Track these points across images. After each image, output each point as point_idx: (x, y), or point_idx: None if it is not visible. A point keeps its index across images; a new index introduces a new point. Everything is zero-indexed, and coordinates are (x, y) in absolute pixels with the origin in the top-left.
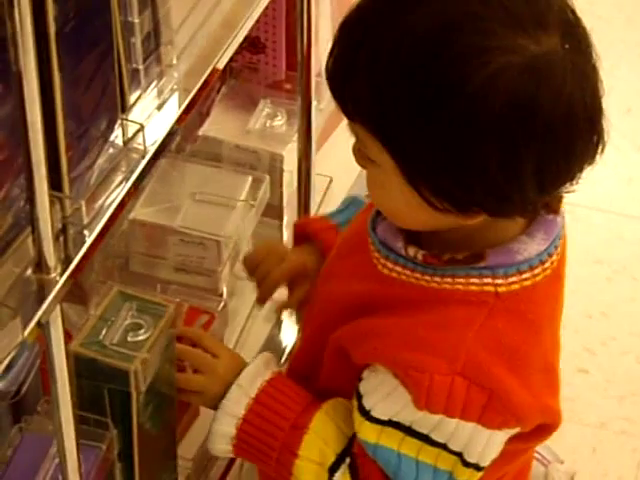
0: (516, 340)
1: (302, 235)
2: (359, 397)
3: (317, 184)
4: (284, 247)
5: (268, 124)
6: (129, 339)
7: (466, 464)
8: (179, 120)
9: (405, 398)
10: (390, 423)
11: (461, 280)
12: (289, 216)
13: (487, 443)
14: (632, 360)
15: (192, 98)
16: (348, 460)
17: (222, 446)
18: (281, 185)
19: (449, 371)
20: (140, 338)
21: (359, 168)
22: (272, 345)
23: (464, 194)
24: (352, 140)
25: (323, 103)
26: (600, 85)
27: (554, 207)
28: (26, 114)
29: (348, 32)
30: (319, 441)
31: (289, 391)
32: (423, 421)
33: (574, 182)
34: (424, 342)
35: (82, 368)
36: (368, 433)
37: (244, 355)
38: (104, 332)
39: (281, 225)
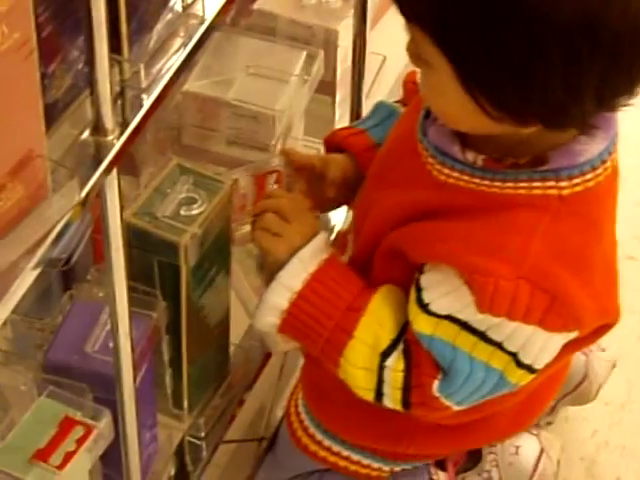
0: (580, 243)
1: (332, 146)
2: (418, 289)
3: (370, 62)
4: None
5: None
6: (182, 212)
7: (520, 364)
8: None
9: (467, 298)
10: (447, 317)
11: (524, 184)
12: (342, 93)
13: (544, 345)
14: None
15: None
16: (402, 346)
17: (270, 318)
18: (335, 61)
19: (514, 276)
20: (193, 212)
21: None
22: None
23: (522, 104)
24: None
25: None
26: None
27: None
28: None
29: None
30: (375, 324)
31: (346, 272)
32: (483, 321)
33: (632, 96)
34: (489, 245)
35: (133, 238)
36: (424, 325)
37: None
38: (158, 204)
39: (334, 102)
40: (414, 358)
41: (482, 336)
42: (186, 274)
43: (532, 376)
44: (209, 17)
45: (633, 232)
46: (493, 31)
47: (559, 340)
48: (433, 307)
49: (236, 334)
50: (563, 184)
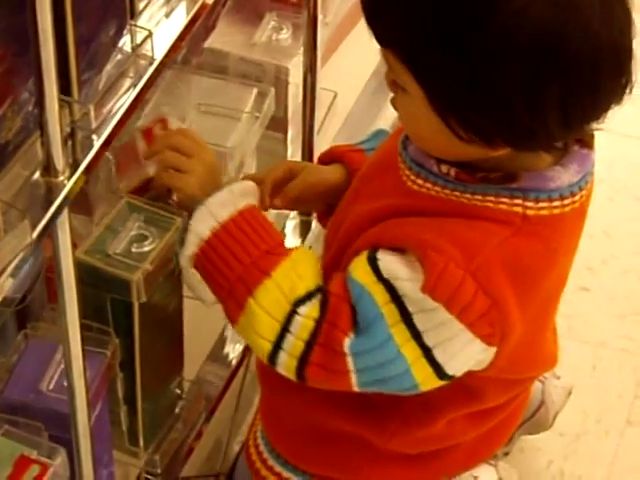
0: (532, 264)
1: (328, 160)
2: (374, 248)
3: (322, 98)
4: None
5: (274, 37)
6: (133, 250)
7: (431, 361)
8: (187, 28)
9: (415, 274)
10: (386, 282)
11: (491, 198)
12: (293, 130)
13: (463, 347)
14: (633, 279)
15: (200, 6)
16: (320, 297)
17: (192, 248)
18: (286, 98)
19: (463, 266)
20: (145, 249)
21: (363, 84)
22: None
23: (488, 126)
24: (357, 56)
25: (329, 17)
26: (631, 27)
27: (588, 142)
28: (36, 18)
29: None
30: (293, 273)
31: (271, 224)
32: (417, 302)
33: (600, 120)
34: (449, 233)
35: (86, 276)
36: (362, 274)
37: None
38: (109, 241)
39: (285, 138)
40: (330, 312)
41: (407, 318)
42: (138, 311)
43: (439, 382)
44: (158, 57)
45: (586, 263)
46: (457, 52)
47: (477, 349)
48: (380, 263)
49: (190, 370)
50: (529, 204)
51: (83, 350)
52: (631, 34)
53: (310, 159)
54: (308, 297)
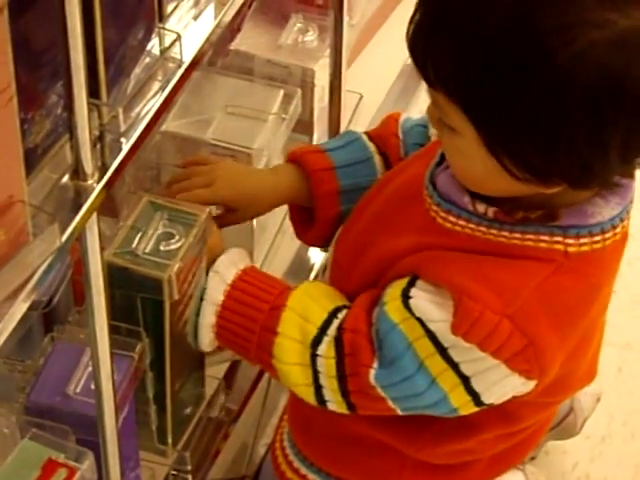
0: (573, 301)
1: (290, 161)
2: (411, 284)
3: (347, 101)
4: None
5: (300, 39)
6: (161, 248)
7: (469, 390)
8: (215, 31)
9: (445, 315)
10: (419, 320)
11: (531, 237)
12: (319, 132)
13: (500, 380)
14: None
15: (228, 8)
16: (334, 333)
17: (208, 336)
18: (312, 100)
19: (500, 311)
20: (172, 247)
21: (389, 86)
22: (300, 262)
23: (547, 166)
24: (382, 58)
25: (355, 19)
26: None
27: (629, 172)
28: (66, 21)
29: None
30: (297, 318)
31: (265, 278)
32: (451, 340)
33: None
34: (487, 276)
35: (115, 277)
36: (395, 312)
37: (273, 271)
38: (136, 242)
39: (311, 140)
40: (347, 346)
41: (442, 351)
42: (169, 309)
43: (475, 408)
44: (187, 60)
45: None
46: (519, 95)
47: (515, 383)
48: (412, 303)
49: (217, 370)
50: (570, 241)
51: (111, 353)
52: None
53: None
54: (322, 333)
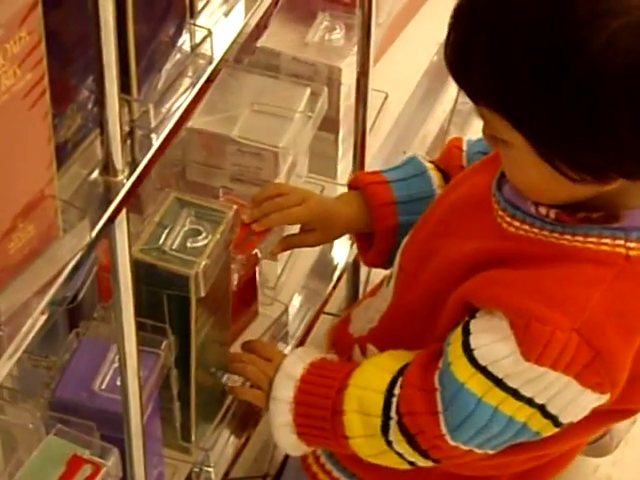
0: (636, 305)
1: (352, 188)
2: (467, 333)
3: (372, 100)
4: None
5: (326, 37)
6: (188, 245)
7: (546, 414)
8: (245, 27)
9: (511, 348)
10: (484, 370)
11: (593, 239)
12: (345, 130)
13: (574, 399)
14: None
15: (258, 5)
16: (396, 417)
17: (288, 437)
18: (338, 99)
19: (568, 327)
20: (199, 244)
21: (414, 85)
22: (323, 263)
23: (599, 161)
24: (408, 57)
25: (381, 17)
26: None
27: None
28: (99, 15)
29: (462, 17)
30: (357, 391)
31: (331, 365)
32: (521, 374)
33: None
34: (550, 294)
35: (141, 274)
36: (462, 370)
37: (297, 269)
38: (163, 238)
39: (337, 139)
40: (412, 428)
41: (514, 393)
42: (195, 305)
43: (556, 429)
44: (217, 56)
45: None
46: (555, 93)
47: (590, 398)
48: (477, 354)
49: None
50: (632, 245)
51: (138, 350)
52: None
53: (362, 160)
54: (387, 419)
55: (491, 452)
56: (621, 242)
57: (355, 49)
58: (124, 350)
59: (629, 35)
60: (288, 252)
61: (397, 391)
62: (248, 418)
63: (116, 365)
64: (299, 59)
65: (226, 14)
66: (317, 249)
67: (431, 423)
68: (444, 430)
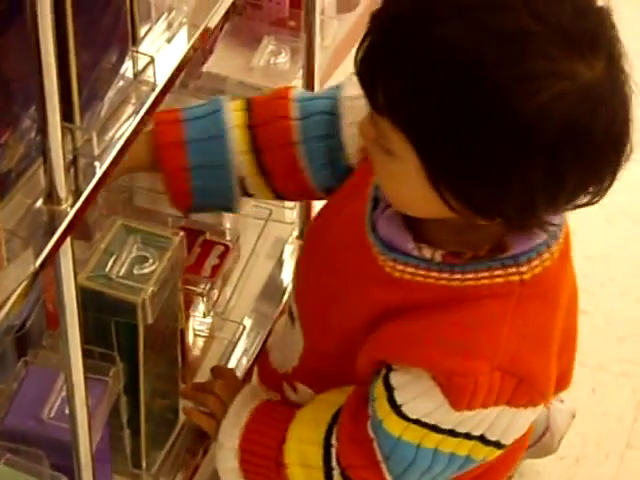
0: (541, 323)
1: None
2: (389, 388)
3: None
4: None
5: (272, 61)
6: (135, 272)
7: (487, 442)
8: (188, 54)
9: (439, 400)
10: (416, 421)
11: (485, 274)
12: None
13: (511, 421)
14: (631, 301)
15: (202, 32)
16: (338, 468)
17: None
18: None
19: (489, 369)
20: (146, 271)
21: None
22: (273, 284)
23: (490, 205)
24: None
25: (327, 41)
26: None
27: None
28: (39, 44)
29: (380, 26)
30: (296, 445)
31: (272, 412)
32: (453, 419)
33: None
34: (462, 344)
35: (88, 301)
36: (394, 426)
37: (247, 292)
38: (110, 265)
39: None
40: (356, 479)
41: (450, 432)
42: (143, 333)
43: (500, 451)
44: (160, 83)
45: (584, 286)
46: (474, 138)
47: (525, 415)
48: (405, 409)
49: None
50: (523, 269)
51: (85, 377)
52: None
53: None
54: (329, 470)
55: None
56: (513, 270)
57: (300, 73)
58: (71, 378)
59: (568, 102)
60: (237, 275)
61: (334, 442)
62: (198, 445)
63: (64, 393)
64: (245, 83)
65: (169, 40)
66: (266, 272)
67: (375, 473)
68: (389, 478)
